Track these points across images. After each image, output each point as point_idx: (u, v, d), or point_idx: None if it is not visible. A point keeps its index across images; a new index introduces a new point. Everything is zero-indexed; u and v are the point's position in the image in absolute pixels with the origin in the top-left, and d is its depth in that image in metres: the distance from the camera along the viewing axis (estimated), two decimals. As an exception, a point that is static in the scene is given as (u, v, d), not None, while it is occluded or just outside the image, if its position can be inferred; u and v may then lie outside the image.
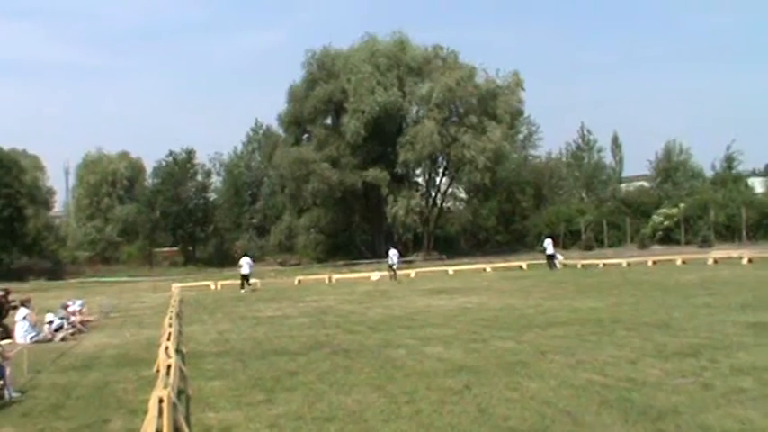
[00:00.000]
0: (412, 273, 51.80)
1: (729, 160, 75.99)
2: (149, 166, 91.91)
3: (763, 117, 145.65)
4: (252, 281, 47.15)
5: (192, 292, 45.25)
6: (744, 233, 59.60)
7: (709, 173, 78.23)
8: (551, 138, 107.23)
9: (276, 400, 11.57)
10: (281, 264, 75.98)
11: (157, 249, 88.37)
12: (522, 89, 74.99)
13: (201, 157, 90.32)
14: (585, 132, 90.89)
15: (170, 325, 19.31)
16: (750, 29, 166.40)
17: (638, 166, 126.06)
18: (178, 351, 15.61)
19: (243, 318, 26.99)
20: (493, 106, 71.82)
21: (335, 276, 53.22)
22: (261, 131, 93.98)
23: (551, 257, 51.40)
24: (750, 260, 42.00)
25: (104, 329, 25.36)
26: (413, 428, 9.33)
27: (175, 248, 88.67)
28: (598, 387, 11.15)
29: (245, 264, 47.62)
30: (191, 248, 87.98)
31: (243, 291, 45.29)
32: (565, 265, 52.14)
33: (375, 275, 51.68)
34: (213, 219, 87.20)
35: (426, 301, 30.12)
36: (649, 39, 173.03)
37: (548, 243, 52.18)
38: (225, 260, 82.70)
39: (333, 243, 79.25)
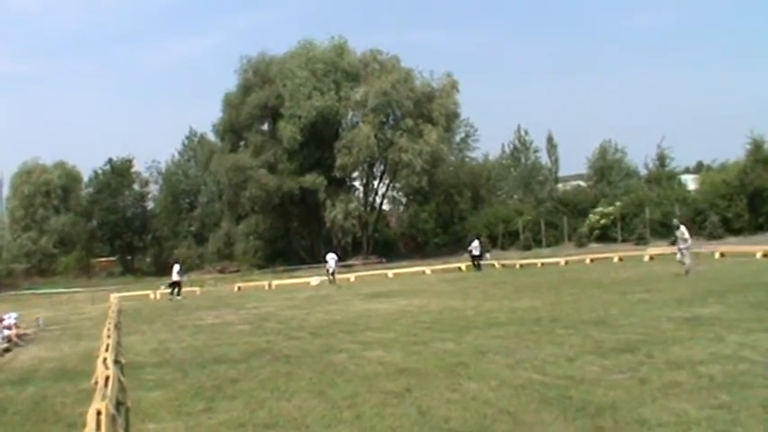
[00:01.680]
0: (352, 277, 51.85)
1: (662, 158, 76.91)
2: (87, 176, 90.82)
3: (694, 116, 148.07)
4: (182, 289, 47.58)
5: (131, 302, 44.89)
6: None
7: (643, 171, 79.21)
8: (490, 140, 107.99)
9: (217, 408, 11.52)
10: (221, 271, 75.57)
11: (95, 260, 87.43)
12: (457, 91, 75.44)
13: (139, 166, 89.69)
14: (522, 133, 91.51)
15: (108, 336, 19.11)
16: (682, 29, 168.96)
17: (574, 165, 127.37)
18: (117, 362, 15.46)
19: (183, 326, 26.81)
20: (429, 109, 72.14)
21: (275, 282, 53.08)
22: (196, 139, 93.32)
23: (478, 258, 52.03)
24: (685, 256, 42.55)
25: (42, 342, 25.06)
26: (354, 433, 9.35)
27: (113, 258, 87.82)
28: (538, 386, 11.23)
29: (175, 271, 48.07)
30: (129, 258, 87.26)
31: (172, 298, 45.92)
32: (493, 264, 52.68)
33: (315, 280, 51.65)
34: (151, 228, 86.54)
35: (367, 305, 30.14)
36: (583, 39, 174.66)
37: (474, 245, 52.66)
38: (164, 269, 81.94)
39: (272, 249, 79.01)
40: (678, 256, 31.24)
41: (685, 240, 30.80)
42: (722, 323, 15.93)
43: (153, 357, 18.41)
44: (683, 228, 31.19)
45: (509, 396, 10.71)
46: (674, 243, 33.61)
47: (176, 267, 49.16)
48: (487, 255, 56.92)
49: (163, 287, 52.62)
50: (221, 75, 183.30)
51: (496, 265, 53.56)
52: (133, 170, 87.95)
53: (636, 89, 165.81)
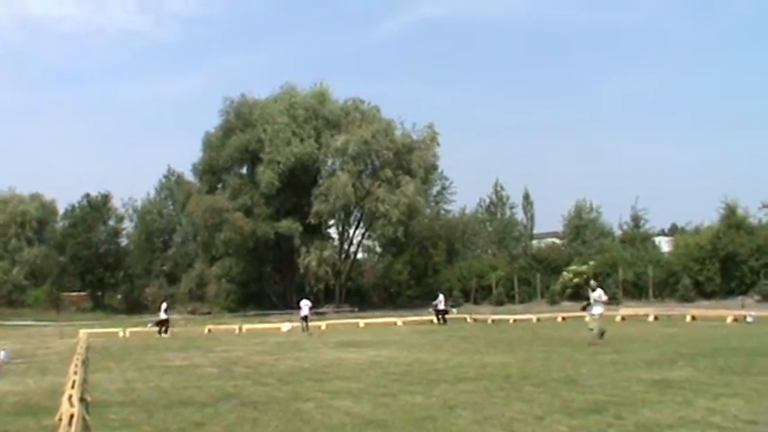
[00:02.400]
0: (323, 325, 51.66)
1: (636, 219, 77.50)
2: (62, 209, 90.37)
3: (669, 179, 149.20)
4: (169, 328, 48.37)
5: (99, 339, 44.46)
6: (651, 291, 60.64)
7: (617, 231, 79.72)
8: (466, 194, 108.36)
9: (181, 452, 11.41)
10: (192, 312, 75.23)
11: (65, 294, 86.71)
12: (437, 144, 75.77)
13: (115, 202, 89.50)
14: (499, 188, 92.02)
15: (75, 372, 18.93)
16: (660, 96, 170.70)
17: (549, 222, 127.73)
18: (82, 400, 15.28)
19: (150, 366, 26.60)
20: (408, 160, 72.44)
21: (246, 326, 52.80)
22: (173, 178, 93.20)
23: (443, 312, 52.25)
24: (656, 317, 42.79)
25: (6, 376, 24.71)
26: (318, 483, 9.27)
27: (84, 293, 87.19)
28: (505, 443, 11.20)
29: (163, 309, 49.05)
30: (100, 294, 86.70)
31: (160, 336, 46.20)
32: (465, 318, 52.91)
33: (286, 326, 51.40)
34: (124, 265, 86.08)
35: (336, 353, 30.03)
36: (562, 100, 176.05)
37: (439, 300, 52.93)
38: (135, 307, 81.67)
39: (244, 293, 78.77)
40: (589, 320, 29.90)
41: (601, 304, 29.25)
42: (691, 387, 15.97)
43: (119, 396, 18.23)
44: (600, 290, 29.85)
45: (476, 453, 10.66)
46: (585, 308, 31.77)
47: (164, 306, 50.01)
48: (454, 310, 57.20)
49: (150, 325, 52.74)
50: (203, 114, 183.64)
51: (468, 320, 53.56)
52: (109, 206, 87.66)
53: (612, 150, 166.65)
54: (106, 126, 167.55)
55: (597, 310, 28.93)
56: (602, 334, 28.29)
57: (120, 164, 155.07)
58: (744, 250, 57.22)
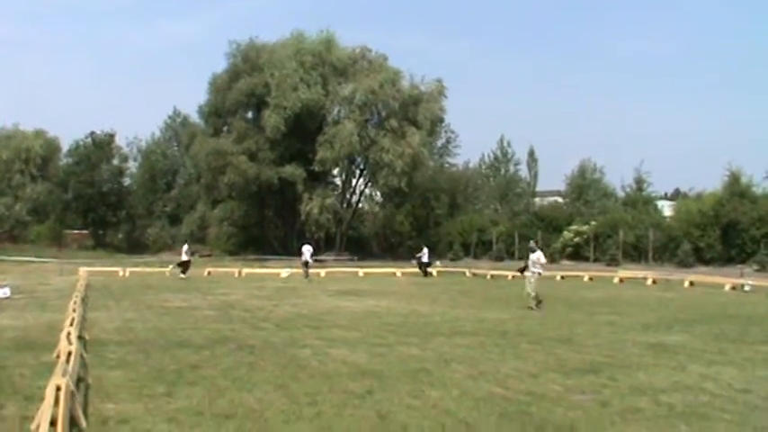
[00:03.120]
0: (322, 272, 51.73)
1: (639, 182, 77.41)
2: (66, 146, 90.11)
3: (675, 143, 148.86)
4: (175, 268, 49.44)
5: (99, 278, 44.60)
6: (650, 254, 60.66)
7: (620, 194, 79.63)
8: (471, 149, 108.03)
9: (177, 393, 11.46)
10: (192, 254, 75.34)
11: (67, 231, 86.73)
12: (445, 97, 75.48)
13: (120, 142, 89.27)
14: (505, 144, 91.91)
15: (74, 310, 18.96)
16: (672, 58, 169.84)
17: (552, 181, 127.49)
18: (80, 337, 15.35)
19: (149, 307, 26.70)
20: (414, 112, 72.12)
21: (246, 270, 53.00)
22: (179, 120, 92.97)
23: (426, 265, 52.85)
24: (654, 281, 42.79)
25: (5, 310, 24.77)
26: (312, 430, 9.32)
27: (86, 231, 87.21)
28: (499, 399, 11.25)
29: (184, 251, 49.75)
30: (101, 232, 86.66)
31: (183, 277, 46.69)
32: (464, 272, 53.09)
33: (285, 272, 51.53)
34: (126, 204, 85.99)
35: (335, 301, 30.15)
36: (573, 58, 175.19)
37: (424, 252, 53.60)
38: (136, 247, 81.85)
39: (245, 237, 78.89)
40: (528, 285, 27.56)
41: (540, 266, 27.87)
42: (686, 352, 16.03)
43: (117, 336, 18.32)
44: (539, 252, 28.40)
45: (469, 407, 10.72)
46: (522, 270, 30.12)
47: (185, 247, 50.44)
48: (438, 263, 57.44)
49: (171, 267, 53.02)
50: (211, 57, 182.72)
51: (467, 274, 53.63)
52: (113, 145, 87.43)
53: (620, 111, 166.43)
54: (113, 66, 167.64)
55: (535, 269, 27.66)
56: (538, 301, 26.72)
57: (126, 104, 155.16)
58: (746, 219, 57.10)
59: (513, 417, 10.16)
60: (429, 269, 53.13)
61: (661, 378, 13.04)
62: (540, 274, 27.83)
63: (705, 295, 34.79)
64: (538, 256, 27.82)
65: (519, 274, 31.85)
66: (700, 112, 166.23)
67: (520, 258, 66.48)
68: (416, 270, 53.66)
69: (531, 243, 29.72)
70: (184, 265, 48.59)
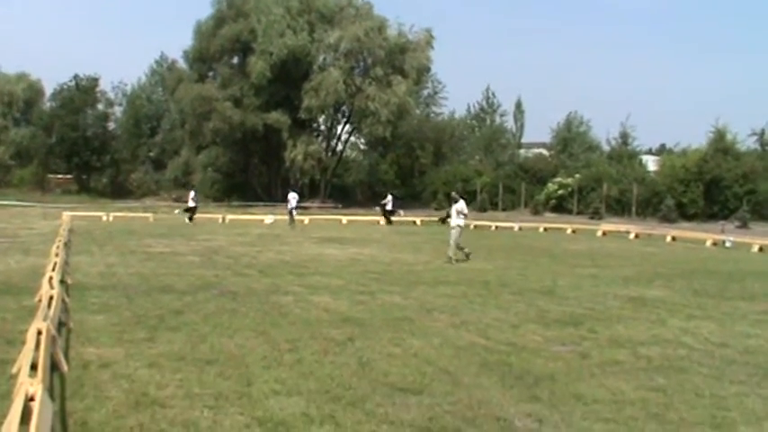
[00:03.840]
0: (306, 219, 51.78)
1: (625, 137, 77.74)
2: (49, 90, 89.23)
3: (661, 98, 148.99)
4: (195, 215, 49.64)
5: (83, 222, 44.39)
6: (633, 209, 60.98)
7: (605, 147, 79.92)
8: (457, 99, 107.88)
9: (158, 338, 11.49)
10: (176, 200, 75.27)
11: (51, 176, 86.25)
12: (432, 47, 75.21)
13: (104, 86, 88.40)
14: (490, 95, 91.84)
15: (57, 254, 18.91)
16: (660, 14, 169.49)
17: (538, 133, 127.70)
18: (62, 282, 15.32)
19: (132, 252, 26.68)
20: (401, 60, 72.03)
21: (230, 217, 52.89)
22: (166, 64, 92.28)
23: (390, 213, 53.08)
24: (637, 235, 42.97)
25: (-12, 253, 24.75)
26: (293, 377, 9.37)
27: (69, 176, 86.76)
28: (479, 349, 11.32)
29: (191, 197, 50.35)
30: (85, 177, 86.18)
31: (190, 222, 47.81)
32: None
33: (269, 219, 51.57)
34: (110, 149, 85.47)
35: (318, 249, 30.18)
36: (560, 11, 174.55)
37: (388, 200, 53.68)
38: (120, 191, 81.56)
39: (229, 183, 78.80)
40: (455, 235, 26.09)
41: (463, 217, 26.67)
42: (666, 306, 16.14)
43: (99, 280, 18.30)
44: (462, 202, 27.00)
45: (450, 356, 10.79)
46: (444, 220, 28.38)
47: (192, 194, 50.94)
48: (401, 212, 57.43)
49: (178, 211, 54.15)
50: (200, 1, 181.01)
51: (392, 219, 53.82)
52: (98, 89, 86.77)
53: (609, 65, 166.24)
54: (99, 8, 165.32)
55: (457, 222, 26.37)
56: (464, 253, 25.97)
57: (113, 48, 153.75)
58: (729, 176, 57.46)
59: (493, 366, 10.23)
60: (392, 217, 53.21)
61: (640, 331, 13.14)
62: (461, 226, 26.50)
63: (686, 251, 34.99)
64: (461, 207, 26.75)
65: (442, 223, 31.11)
66: (688, 69, 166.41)
67: (504, 209, 66.90)
68: (406, 219, 53.85)
69: (454, 193, 28.59)
70: (191, 211, 49.20)
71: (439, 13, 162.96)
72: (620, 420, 7.98)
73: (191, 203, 49.87)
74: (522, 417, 8.02)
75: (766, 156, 64.07)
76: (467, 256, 25.95)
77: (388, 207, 53.21)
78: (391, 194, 55.40)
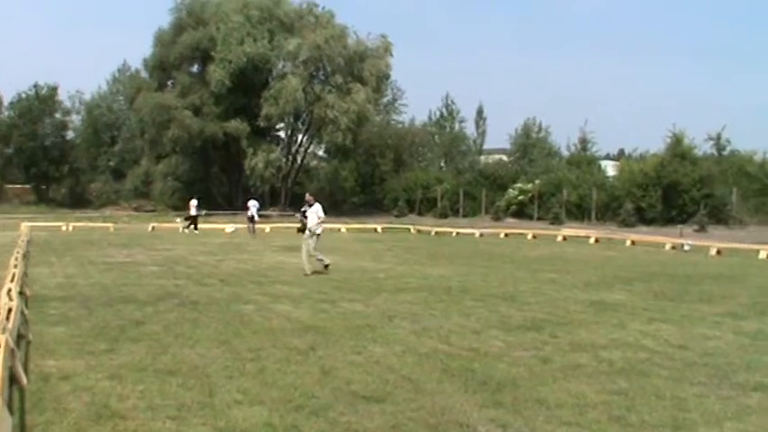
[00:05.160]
0: (267, 228, 51.63)
1: (584, 142, 78.36)
2: (7, 99, 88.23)
3: (617, 103, 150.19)
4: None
5: (42, 233, 43.99)
6: (593, 213, 61.33)
7: (565, 153, 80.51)
8: (417, 107, 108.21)
9: (119, 350, 11.43)
10: (136, 209, 74.91)
11: (9, 186, 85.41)
12: (391, 54, 75.29)
13: (63, 95, 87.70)
14: (450, 102, 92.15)
15: (15, 266, 18.73)
16: (614, 20, 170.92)
17: (499, 139, 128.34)
18: (21, 294, 15.18)
19: (92, 262, 26.51)
20: (360, 68, 72.07)
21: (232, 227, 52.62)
22: (127, 73, 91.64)
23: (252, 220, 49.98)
24: (597, 240, 43.21)
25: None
26: (255, 386, 9.35)
27: (28, 186, 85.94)
28: (442, 355, 11.34)
29: (193, 206, 50.22)
30: (44, 187, 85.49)
31: (189, 232, 48.17)
32: (408, 229, 52.97)
33: (230, 228, 51.38)
34: (69, 158, 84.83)
35: (279, 257, 30.23)
36: (517, 17, 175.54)
37: (251, 204, 50.48)
38: (79, 202, 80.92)
39: (189, 192, 77.82)
40: (311, 244, 23.99)
41: (320, 223, 24.49)
42: (626, 310, 16.26)
43: (59, 292, 18.18)
44: (318, 205, 24.86)
45: (412, 363, 10.81)
46: (302, 230, 25.63)
47: (194, 202, 50.70)
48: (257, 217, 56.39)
49: (179, 220, 54.48)
50: (162, 10, 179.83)
51: (412, 231, 53.81)
52: (56, 98, 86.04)
53: (565, 72, 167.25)
54: (59, 16, 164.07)
55: (313, 228, 24.10)
56: (323, 264, 23.80)
57: (72, 57, 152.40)
58: (686, 180, 57.91)
59: (455, 373, 10.26)
60: (253, 225, 49.85)
61: (601, 335, 13.24)
62: (318, 233, 24.30)
63: (646, 254, 35.23)
64: (316, 210, 24.40)
65: (300, 233, 28.16)
66: (644, 75, 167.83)
67: (465, 216, 67.06)
68: (367, 226, 53.56)
69: (308, 196, 25.99)
70: (192, 220, 49.43)
71: (397, 20, 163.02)
72: (583, 424, 8.03)
73: (193, 212, 49.97)
74: (486, 422, 8.05)
75: (722, 160, 64.65)
76: (326, 267, 23.69)
77: (250, 213, 49.90)
78: (253, 198, 53.73)
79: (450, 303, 17.00)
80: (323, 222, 24.74)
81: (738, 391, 9.50)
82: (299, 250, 24.53)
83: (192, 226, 49.02)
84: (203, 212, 53.53)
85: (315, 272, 23.23)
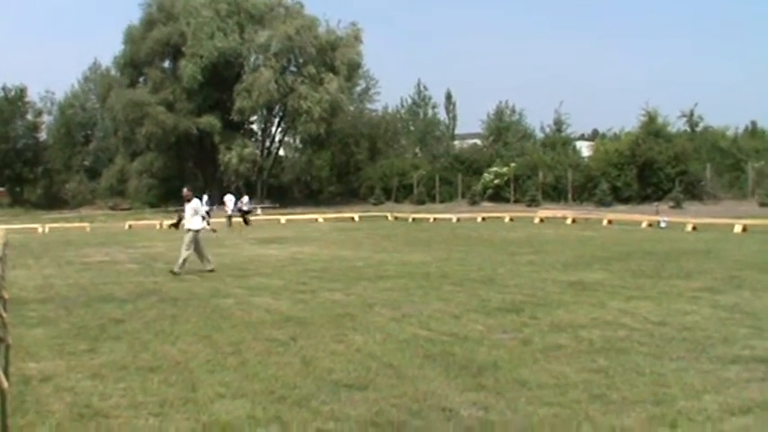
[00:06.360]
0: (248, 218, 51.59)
1: (558, 123, 78.66)
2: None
3: (590, 83, 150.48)
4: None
5: (18, 236, 43.72)
6: (569, 194, 61.55)
7: (540, 135, 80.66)
8: (391, 94, 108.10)
9: (100, 349, 11.40)
10: (112, 208, 74.66)
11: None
12: (361, 42, 75.27)
13: (33, 96, 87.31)
14: (422, 88, 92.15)
15: (-8, 269, 18.70)
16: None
17: (473, 123, 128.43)
18: (-1, 296, 15.16)
19: (70, 263, 26.38)
20: (331, 57, 72.06)
21: (167, 222, 52.41)
22: (98, 71, 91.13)
23: (247, 213, 51.22)
24: (574, 220, 43.37)
25: None
26: (237, 379, 9.36)
27: (1, 189, 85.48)
28: (422, 341, 11.38)
29: (230, 201, 50.54)
30: (18, 189, 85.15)
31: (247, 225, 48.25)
32: (386, 216, 52.97)
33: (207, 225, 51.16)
34: (43, 159, 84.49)
35: (257, 250, 30.13)
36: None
37: (227, 199, 51.10)
38: (54, 202, 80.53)
39: (165, 188, 78.02)
40: (187, 240, 21.86)
41: (199, 218, 22.52)
42: (605, 289, 16.34)
43: (37, 293, 18.09)
44: (197, 201, 23.21)
45: (393, 350, 10.84)
46: (178, 224, 23.32)
47: (245, 199, 52.24)
48: (258, 210, 56.89)
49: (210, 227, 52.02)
50: (132, 7, 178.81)
51: (389, 218, 53.83)
52: (26, 99, 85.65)
53: (537, 54, 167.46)
54: (27, 17, 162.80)
55: (192, 225, 22.17)
56: (208, 269, 21.83)
57: (42, 57, 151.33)
58: (661, 158, 58.21)
59: (436, 357, 10.31)
60: (249, 216, 51.36)
61: (581, 315, 13.31)
62: (196, 230, 22.15)
63: (623, 233, 35.41)
64: (196, 206, 22.57)
65: (174, 229, 26.10)
66: (615, 54, 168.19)
67: (442, 201, 67.15)
68: (344, 215, 53.46)
69: (185, 190, 23.56)
70: (245, 215, 50.12)
71: (367, 11, 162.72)
72: (564, 403, 8.08)
73: (245, 207, 50.65)
74: (468, 405, 8.09)
75: (696, 137, 65.06)
76: (210, 270, 21.73)
77: (245, 208, 51.60)
78: (230, 193, 54.07)
79: (430, 289, 17.04)
80: (203, 218, 22.93)
81: (717, 365, 9.59)
82: (278, 242, 24.48)
83: (243, 221, 49.08)
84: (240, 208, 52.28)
85: (284, 265, 23.21)
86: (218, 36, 69.11)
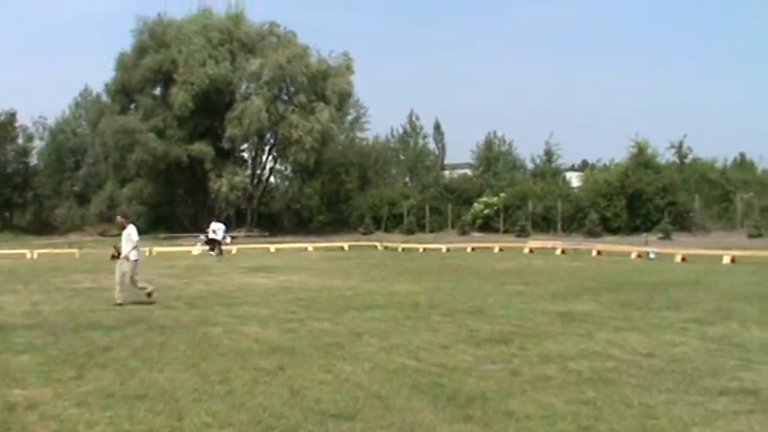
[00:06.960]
0: (234, 249, 51.53)
1: (549, 154, 78.89)
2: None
3: (581, 114, 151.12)
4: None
5: (6, 261, 43.60)
6: (559, 225, 61.66)
7: (530, 166, 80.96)
8: (383, 123, 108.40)
9: (87, 376, 11.36)
10: (102, 234, 74.37)
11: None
12: (353, 71, 75.46)
13: (24, 121, 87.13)
14: (414, 118, 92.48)
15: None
16: (571, 26, 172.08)
17: (464, 153, 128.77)
18: (-14, 322, 15.11)
19: (59, 289, 26.33)
20: (323, 86, 72.14)
21: (156, 249, 52.40)
22: (90, 97, 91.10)
23: (218, 242, 49.77)
24: (563, 251, 43.45)
25: None
26: (224, 409, 9.33)
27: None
28: (411, 372, 11.37)
29: (219, 230, 49.91)
30: (7, 214, 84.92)
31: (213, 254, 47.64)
32: (375, 246, 53.00)
33: (196, 250, 51.20)
34: (33, 184, 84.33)
35: (246, 278, 30.08)
36: (472, 29, 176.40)
37: (216, 227, 50.50)
38: (44, 228, 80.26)
39: (155, 215, 77.83)
40: (125, 270, 21.31)
41: (133, 246, 21.54)
42: (594, 320, 16.36)
43: (25, 319, 18.01)
44: (132, 227, 22.19)
45: (381, 380, 10.82)
46: (118, 255, 23.90)
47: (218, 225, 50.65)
48: (227, 239, 55.88)
49: (216, 252, 51.05)
50: (124, 33, 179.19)
51: (379, 247, 53.86)
52: (16, 124, 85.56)
53: (526, 84, 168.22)
54: (19, 41, 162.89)
55: (128, 253, 21.42)
56: (145, 293, 21.39)
57: (33, 82, 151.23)
58: (650, 188, 58.43)
59: (425, 388, 10.29)
60: (219, 247, 49.44)
61: (569, 346, 13.31)
62: (133, 259, 21.45)
63: (612, 264, 35.46)
64: (129, 234, 21.70)
65: (114, 259, 25.81)
66: (605, 85, 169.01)
67: (431, 231, 67.16)
68: (334, 244, 53.45)
69: (119, 217, 24.06)
70: (216, 244, 49.07)
71: (358, 38, 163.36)
72: (552, 435, 8.07)
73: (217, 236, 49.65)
74: (455, 436, 8.08)
75: (685, 168, 65.33)
76: (148, 295, 21.25)
77: (218, 237, 50.03)
78: (218, 221, 53.55)
79: (419, 319, 17.02)
80: (137, 247, 21.65)
81: (705, 397, 9.60)
82: (267, 270, 24.52)
83: (217, 250, 48.54)
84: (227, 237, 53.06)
85: (273, 294, 23.16)
86: (210, 64, 69.16)
